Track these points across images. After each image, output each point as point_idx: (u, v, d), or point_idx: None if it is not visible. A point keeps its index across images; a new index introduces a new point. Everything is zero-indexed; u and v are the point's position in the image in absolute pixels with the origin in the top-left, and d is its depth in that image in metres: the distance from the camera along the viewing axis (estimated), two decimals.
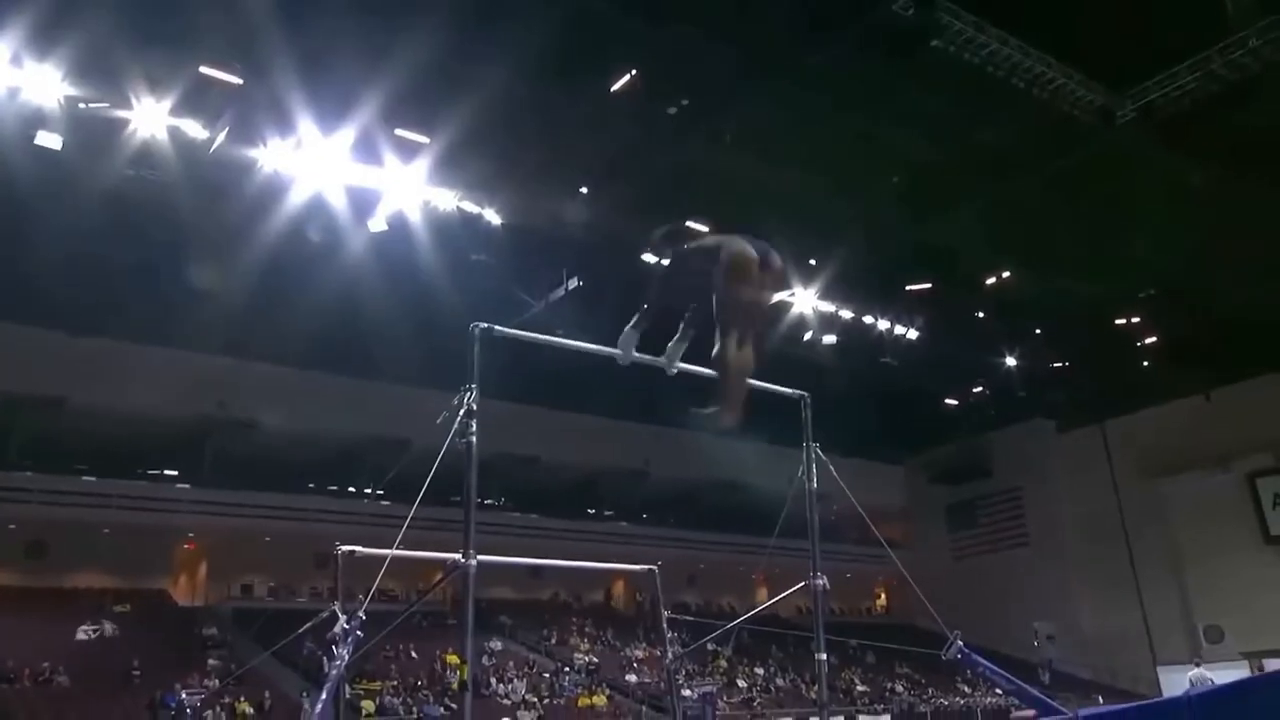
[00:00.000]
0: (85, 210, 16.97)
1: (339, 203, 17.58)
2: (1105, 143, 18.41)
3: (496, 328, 5.06)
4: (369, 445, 28.71)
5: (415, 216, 18.40)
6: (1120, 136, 18.18)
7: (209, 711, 18.69)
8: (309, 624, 5.82)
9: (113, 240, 18.66)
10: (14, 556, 24.90)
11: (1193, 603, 32.53)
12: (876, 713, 26.10)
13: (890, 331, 26.11)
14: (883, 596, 43.08)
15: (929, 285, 25.07)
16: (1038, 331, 28.69)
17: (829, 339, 25.25)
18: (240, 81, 15.48)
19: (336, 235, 18.29)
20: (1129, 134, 18.11)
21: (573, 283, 22.07)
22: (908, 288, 25.22)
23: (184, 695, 18.73)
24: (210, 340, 23.91)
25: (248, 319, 22.53)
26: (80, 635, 21.99)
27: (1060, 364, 30.75)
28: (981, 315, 26.78)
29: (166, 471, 27.91)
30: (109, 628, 22.60)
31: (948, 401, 34.19)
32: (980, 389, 32.73)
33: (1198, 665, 19.80)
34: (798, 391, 6.73)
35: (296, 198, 17.20)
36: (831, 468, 6.52)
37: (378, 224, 17.97)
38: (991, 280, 24.91)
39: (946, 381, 31.90)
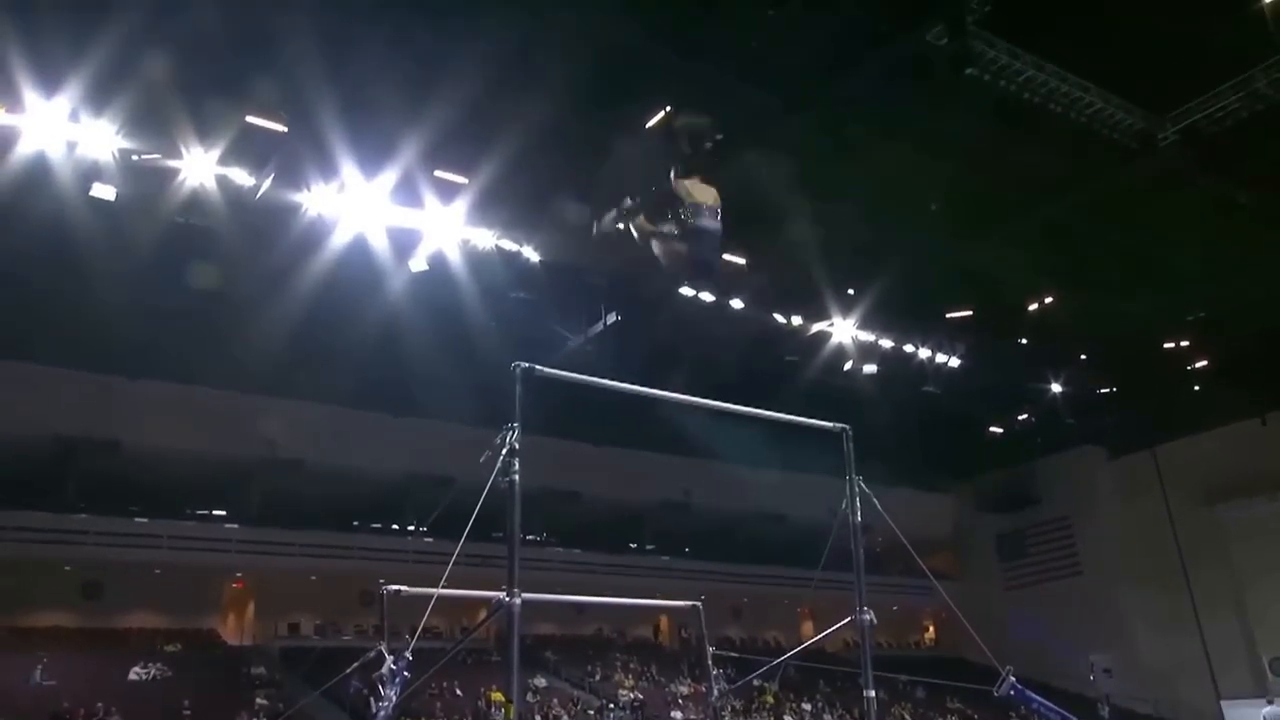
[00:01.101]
0: (138, 257, 17.42)
1: (380, 244, 17.90)
2: (1147, 165, 18.19)
3: (538, 368, 5.11)
4: (413, 483, 28.91)
5: (455, 256, 18.67)
6: (1163, 159, 17.96)
7: None
8: (356, 664, 5.85)
9: (164, 286, 19.12)
10: (70, 598, 25.38)
11: (1255, 633, 31.48)
12: None
13: (932, 360, 25.85)
14: (931, 629, 42.23)
15: (970, 312, 24.82)
16: (1083, 357, 28.23)
17: (869, 368, 25.07)
18: (285, 129, 15.88)
19: (378, 276, 18.60)
20: (1172, 156, 17.88)
21: (610, 318, 22.20)
22: (948, 315, 24.99)
23: None
24: (258, 381, 24.34)
25: (294, 359, 22.89)
26: (133, 676, 22.26)
27: (1108, 389, 30.18)
28: (1025, 341, 26.42)
29: (215, 511, 28.32)
30: (160, 668, 22.85)
31: (993, 429, 33.69)
32: (1026, 416, 32.20)
33: (1271, 703, 19.08)
34: (839, 425, 6.69)
35: (339, 240, 17.55)
36: (876, 501, 6.46)
37: (418, 264, 18.25)
38: (1034, 306, 24.59)
39: (991, 409, 31.46)
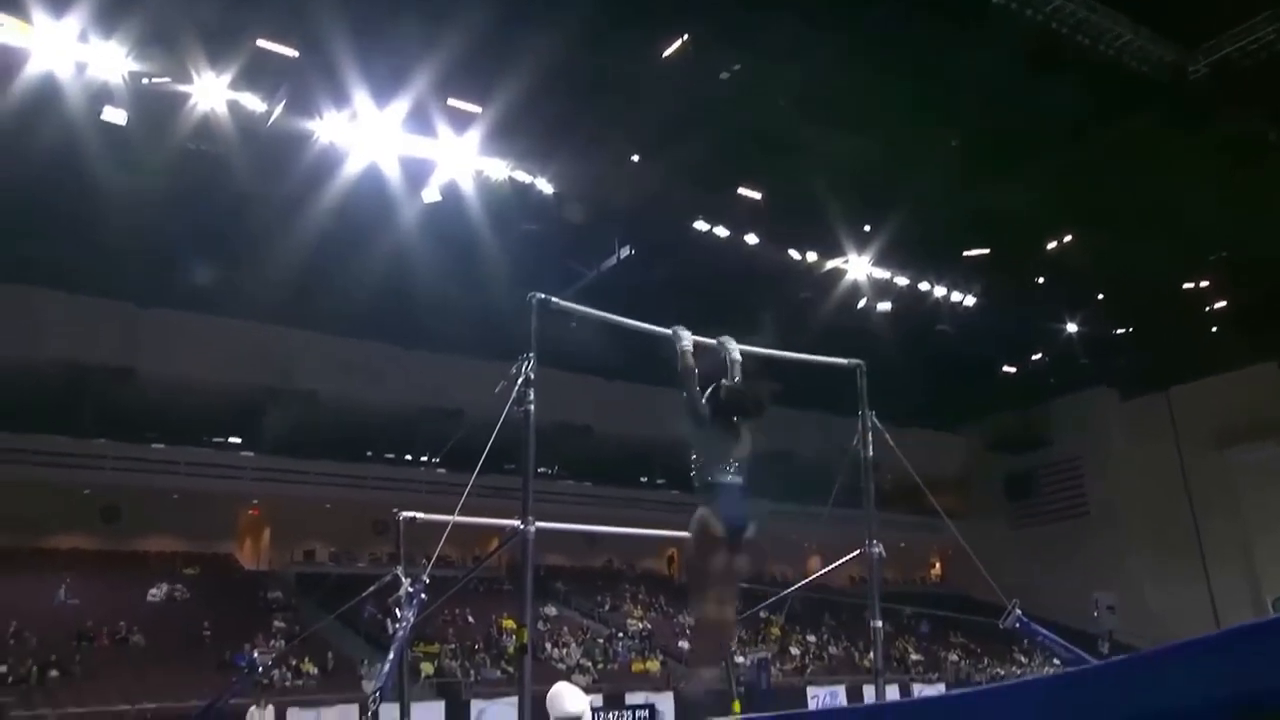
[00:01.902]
0: (149, 183, 17.38)
1: (393, 173, 17.79)
2: (1174, 101, 17.81)
3: (554, 300, 5.11)
4: (424, 415, 29.15)
5: (468, 187, 18.54)
6: (1191, 94, 17.57)
7: (275, 671, 19.32)
8: (372, 588, 5.99)
9: (176, 213, 19.11)
10: (90, 521, 25.93)
11: (1261, 575, 31.76)
12: (931, 681, 26.02)
13: (947, 298, 25.72)
14: (938, 566, 42.76)
15: (987, 251, 24.61)
16: (1100, 297, 28.03)
17: (883, 307, 24.97)
18: (296, 54, 15.68)
19: (390, 206, 18.52)
20: (1200, 91, 17.49)
21: (624, 251, 22.10)
22: (965, 254, 24.79)
23: (256, 654, 19.38)
24: (271, 311, 24.43)
25: (306, 290, 22.94)
26: (151, 597, 22.81)
27: (1123, 330, 30.02)
28: (1042, 281, 26.23)
29: (231, 439, 28.71)
30: (180, 590, 23.41)
31: (1006, 369, 33.63)
32: (1040, 356, 32.11)
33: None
34: (853, 361, 6.69)
35: (351, 169, 17.44)
36: (888, 436, 6.49)
37: (431, 194, 18.14)
38: (1052, 245, 24.35)
39: (1005, 349, 31.38)
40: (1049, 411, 37.97)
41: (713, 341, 5.44)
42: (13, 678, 17.39)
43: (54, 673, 18.02)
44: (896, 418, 6.77)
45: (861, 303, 24.71)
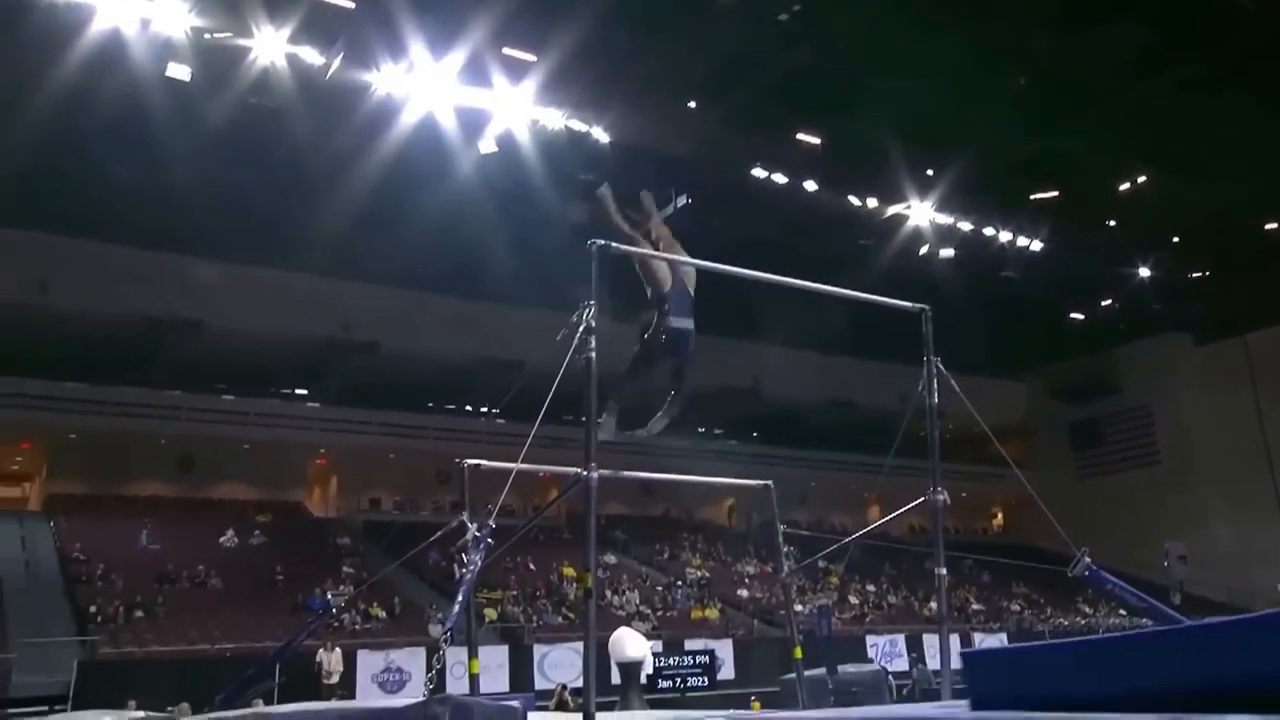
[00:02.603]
0: (213, 138, 17.66)
1: (449, 124, 17.83)
2: (1256, 32, 16.95)
3: (614, 245, 5.11)
4: (484, 366, 29.53)
5: (524, 136, 18.51)
6: (1273, 24, 16.70)
7: (345, 615, 19.98)
8: (438, 533, 6.14)
9: (238, 167, 19.40)
10: (167, 470, 26.92)
11: None
12: (992, 630, 25.91)
13: (1012, 243, 25.12)
14: (999, 516, 42.37)
15: (1055, 193, 23.88)
16: (1175, 240, 27.09)
17: (946, 252, 24.49)
18: (353, 6, 15.72)
19: (447, 157, 18.59)
20: None
21: (681, 200, 21.93)
22: (1032, 197, 24.09)
23: (330, 595, 20.05)
24: (332, 264, 24.81)
25: (366, 243, 23.23)
26: (227, 542, 23.66)
27: (1199, 274, 29.02)
28: (1113, 224, 25.41)
29: (298, 391, 29.44)
30: (253, 536, 24.26)
31: (1073, 315, 32.82)
32: (1109, 302, 31.23)
33: None
34: (918, 305, 6.57)
35: (408, 120, 17.52)
36: (954, 383, 6.39)
37: (487, 145, 18.16)
38: (1125, 187, 23.54)
39: (1072, 294, 30.57)
40: (1117, 358, 37.07)
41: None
42: (101, 617, 18.23)
43: (139, 613, 18.84)
44: (959, 365, 6.66)
45: (924, 249, 24.27)
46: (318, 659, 16.35)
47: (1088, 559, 6.32)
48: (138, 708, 7.60)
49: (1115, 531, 31.92)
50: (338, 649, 16.89)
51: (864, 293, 6.79)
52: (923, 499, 6.37)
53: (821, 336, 31.26)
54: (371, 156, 18.43)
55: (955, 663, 5.25)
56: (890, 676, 16.24)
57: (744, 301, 24.22)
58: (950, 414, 6.91)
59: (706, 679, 18.96)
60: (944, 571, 6.33)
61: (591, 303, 4.89)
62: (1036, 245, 25.08)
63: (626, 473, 6.75)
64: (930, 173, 22.24)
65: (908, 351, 7.54)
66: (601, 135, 19.05)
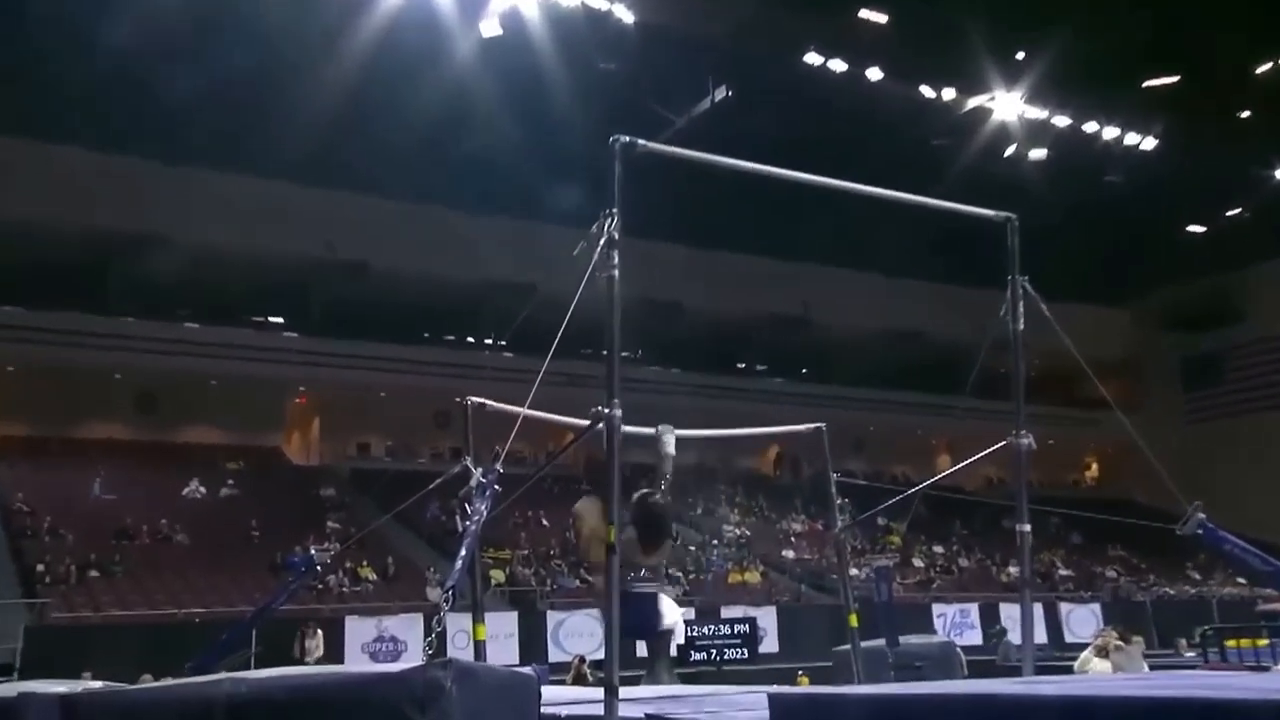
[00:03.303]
0: (172, 21, 17.53)
1: (445, 1, 17.59)
2: None
3: (641, 142, 5.02)
4: (490, 290, 29.60)
5: (533, 15, 18.24)
6: None
7: (331, 576, 20.41)
8: (438, 480, 6.21)
9: (201, 55, 19.29)
10: (123, 410, 27.35)
11: None
12: (1083, 600, 26.02)
13: (1119, 142, 24.62)
14: (1093, 467, 42.32)
15: (1174, 79, 23.18)
16: None
17: (1038, 153, 24.06)
18: None
19: (443, 41, 18.39)
20: None
21: (720, 93, 21.61)
22: (1145, 84, 23.46)
23: (314, 551, 20.50)
24: (313, 170, 24.78)
25: (351, 145, 23.14)
26: (194, 493, 24.12)
27: None
28: (1246, 116, 24.66)
29: (274, 319, 29.71)
30: (224, 486, 24.71)
31: (1191, 229, 32.19)
32: (1237, 211, 30.51)
33: None
34: (1003, 214, 6.45)
35: None
36: (1043, 306, 6.30)
37: (490, 27, 17.92)
38: (1264, 69, 22.78)
39: (1191, 204, 29.97)
40: (1244, 280, 36.40)
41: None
42: (50, 577, 18.67)
43: (94, 573, 19.31)
44: (1050, 289, 6.57)
45: (1010, 149, 23.86)
46: (298, 639, 16.09)
47: (1201, 514, 6.26)
48: (94, 678, 7.84)
49: (1234, 485, 31.68)
50: (320, 632, 16.50)
51: (940, 201, 6.69)
52: (1003, 444, 6.35)
53: (885, 255, 31.00)
54: (356, 41, 18.27)
55: (1040, 635, 5.29)
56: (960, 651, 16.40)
57: (793, 213, 24.02)
58: (1037, 346, 6.85)
59: (746, 651, 19.24)
60: (1027, 529, 6.33)
61: (614, 211, 4.83)
62: (1148, 144, 24.57)
63: (644, 430, 6.73)
64: (1020, 56, 21.72)
65: (988, 272, 7.43)
66: (625, 14, 18.72)
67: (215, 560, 20.71)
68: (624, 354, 5.52)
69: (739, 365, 35.49)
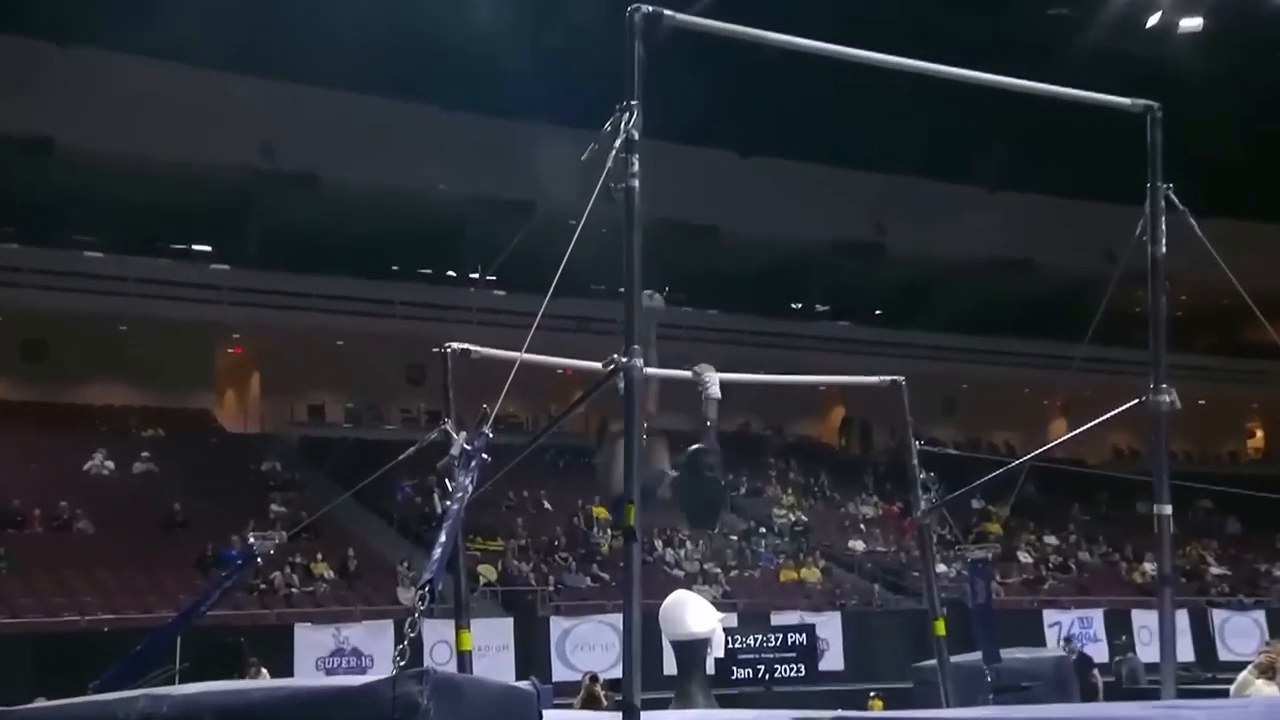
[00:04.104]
0: None
1: None
2: None
3: (668, 13, 4.95)
4: (475, 208, 29.49)
5: None
6: None
7: (277, 573, 20.55)
8: (409, 450, 6.23)
9: None
10: (7, 359, 27.28)
11: None
12: (1243, 607, 25.90)
13: None
14: (1259, 434, 42.08)
15: None
16: None
17: (1190, 23, 23.69)
18: None
19: None
20: None
21: None
22: None
23: (254, 541, 20.55)
24: (246, 55, 24.63)
25: (297, 21, 22.94)
26: (97, 469, 24.16)
27: None
28: None
29: (197, 246, 29.73)
30: (138, 460, 24.76)
31: None
32: None
33: None
34: (1141, 101, 6.33)
35: None
36: (1194, 223, 6.20)
37: None
38: None
39: None
40: None
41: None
42: None
43: None
44: (1203, 204, 6.49)
45: (1153, 19, 23.48)
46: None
47: None
48: None
49: None
50: (265, 671, 16.37)
51: (1056, 86, 6.59)
52: (1136, 401, 6.29)
53: (984, 162, 30.69)
54: None
55: (1184, 650, 5.28)
56: (1095, 669, 16.35)
57: (863, 110, 23.80)
58: (1184, 278, 6.78)
59: (804, 667, 19.38)
60: (1168, 512, 6.28)
61: (633, 103, 4.78)
62: None
63: (675, 372, 6.72)
64: None
65: (1119, 183, 7.31)
66: None
67: (128, 553, 20.85)
68: (647, 291, 5.49)
69: (794, 305, 35.41)
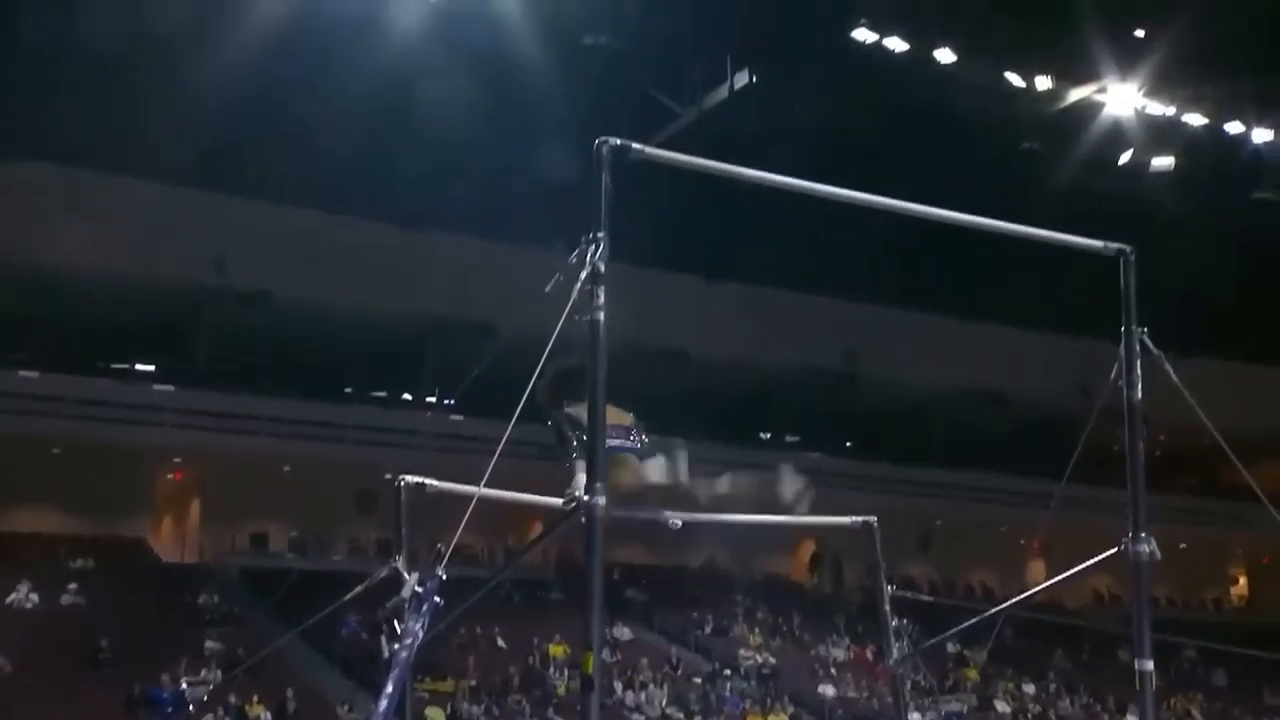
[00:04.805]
0: None
1: None
2: None
3: (635, 146, 5.08)
4: (433, 331, 29.64)
5: None
6: None
7: (209, 716, 20.19)
8: (359, 588, 6.18)
9: (61, 26, 19.45)
10: None
11: None
12: None
13: (1272, 148, 24.90)
14: (1240, 581, 42.25)
15: None
16: None
17: (1163, 162, 24.31)
18: None
19: (378, 6, 18.62)
20: None
21: (741, 77, 21.87)
22: None
23: (185, 686, 20.18)
24: (201, 171, 24.86)
25: (252, 140, 23.25)
26: (20, 602, 23.83)
27: None
28: None
29: (140, 366, 29.64)
30: (65, 592, 24.45)
31: None
32: None
33: None
34: (1113, 244, 6.52)
35: None
36: (1167, 366, 6.33)
37: None
38: None
39: None
40: None
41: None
42: None
43: None
44: (1180, 343, 6.63)
45: (1125, 157, 24.10)
46: None
47: None
48: None
49: None
50: None
51: (1027, 226, 6.76)
52: (1115, 550, 6.36)
53: (957, 295, 31.14)
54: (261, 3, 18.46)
55: None
56: None
57: (835, 239, 24.20)
58: (1165, 418, 6.88)
59: None
60: (1149, 666, 6.31)
61: (600, 235, 4.88)
62: None
63: (642, 513, 6.73)
64: (1140, 34, 22.06)
65: (1095, 320, 7.46)
66: None
67: (50, 694, 20.46)
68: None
69: (762, 434, 35.49)
